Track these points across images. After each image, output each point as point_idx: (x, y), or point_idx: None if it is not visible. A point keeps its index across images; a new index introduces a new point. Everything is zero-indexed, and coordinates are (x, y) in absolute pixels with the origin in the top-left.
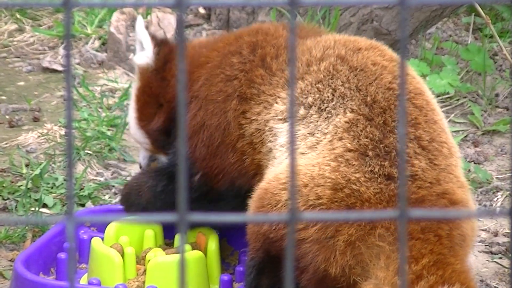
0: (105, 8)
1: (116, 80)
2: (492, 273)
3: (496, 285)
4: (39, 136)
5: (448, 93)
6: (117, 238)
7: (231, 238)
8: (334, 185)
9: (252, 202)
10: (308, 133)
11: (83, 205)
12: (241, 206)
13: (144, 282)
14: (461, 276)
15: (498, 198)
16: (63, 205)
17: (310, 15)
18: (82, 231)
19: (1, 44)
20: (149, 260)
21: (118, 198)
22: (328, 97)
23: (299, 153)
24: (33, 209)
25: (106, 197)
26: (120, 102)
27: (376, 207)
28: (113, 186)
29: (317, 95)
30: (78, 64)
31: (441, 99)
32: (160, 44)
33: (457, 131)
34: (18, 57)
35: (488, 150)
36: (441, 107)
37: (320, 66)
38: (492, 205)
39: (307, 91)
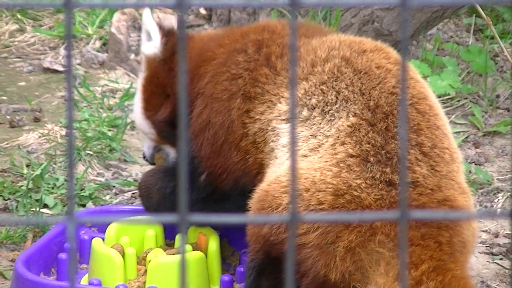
0: (106, 9)
1: (117, 81)
2: (492, 274)
3: (497, 286)
4: (40, 137)
5: (449, 94)
6: (117, 238)
7: (232, 239)
8: (336, 191)
9: (253, 204)
10: (311, 135)
11: (83, 206)
12: (247, 205)
13: (144, 283)
14: (461, 282)
15: (499, 199)
16: (64, 206)
17: (311, 15)
18: (83, 232)
19: (2, 45)
20: (149, 261)
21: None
22: (331, 99)
23: (301, 155)
24: (33, 209)
25: (107, 197)
26: (121, 103)
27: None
28: (114, 186)
29: (321, 97)
30: (79, 64)
31: (442, 100)
32: (168, 34)
33: (458, 132)
34: (19, 58)
35: (489, 151)
36: (442, 108)
37: (325, 67)
38: (492, 206)
39: (311, 92)
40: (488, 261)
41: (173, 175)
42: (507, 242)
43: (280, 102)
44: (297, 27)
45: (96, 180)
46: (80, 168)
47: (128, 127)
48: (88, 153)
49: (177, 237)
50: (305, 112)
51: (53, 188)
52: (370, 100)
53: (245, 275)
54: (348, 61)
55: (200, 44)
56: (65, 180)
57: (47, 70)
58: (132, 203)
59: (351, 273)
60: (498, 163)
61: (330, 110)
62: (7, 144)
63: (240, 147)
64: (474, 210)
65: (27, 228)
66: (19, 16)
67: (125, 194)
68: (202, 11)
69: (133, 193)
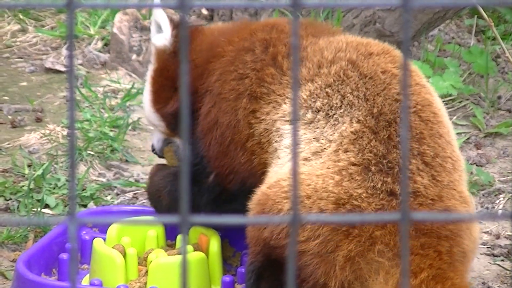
0: (108, 9)
1: (119, 81)
2: (494, 275)
3: None
4: (41, 137)
5: (450, 95)
6: (119, 239)
7: (233, 240)
8: (337, 200)
9: (253, 206)
10: (313, 138)
11: (85, 206)
12: None
13: (146, 283)
14: None
15: (500, 201)
16: (65, 206)
17: (312, 16)
18: (84, 232)
19: (4, 45)
20: (151, 261)
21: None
22: (336, 103)
23: (303, 158)
24: (35, 209)
25: (108, 198)
26: (123, 103)
27: (377, 223)
28: (115, 187)
29: (326, 100)
30: (81, 64)
31: (444, 101)
32: (178, 26)
33: (459, 133)
34: (21, 58)
35: (490, 153)
36: None
37: (331, 69)
38: (494, 207)
39: (316, 94)
40: (489, 263)
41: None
42: (508, 243)
43: (285, 103)
44: (305, 26)
45: (98, 180)
46: (82, 168)
47: (130, 128)
48: (90, 154)
49: (179, 237)
50: (309, 115)
51: (54, 188)
52: (374, 107)
53: (245, 278)
54: (355, 64)
55: (210, 38)
56: (67, 180)
57: (49, 70)
58: (133, 204)
59: (351, 282)
60: (499, 164)
61: (334, 114)
62: (8, 144)
63: (246, 148)
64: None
65: (29, 228)
66: (21, 16)
67: (126, 194)
68: (204, 11)
69: (135, 194)
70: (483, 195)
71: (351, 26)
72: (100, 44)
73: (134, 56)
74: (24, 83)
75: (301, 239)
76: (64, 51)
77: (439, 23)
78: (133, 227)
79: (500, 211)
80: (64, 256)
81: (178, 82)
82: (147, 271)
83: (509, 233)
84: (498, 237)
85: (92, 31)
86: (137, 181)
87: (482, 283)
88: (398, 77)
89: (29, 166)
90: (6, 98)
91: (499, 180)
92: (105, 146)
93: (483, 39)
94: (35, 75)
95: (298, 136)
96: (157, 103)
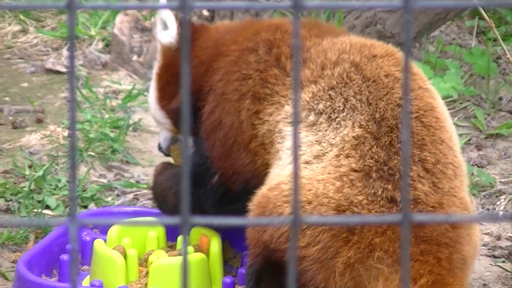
0: (108, 10)
1: (120, 82)
2: (495, 277)
3: None
4: (42, 138)
5: (451, 96)
6: (119, 240)
7: (234, 241)
8: (337, 207)
9: (253, 208)
10: (315, 141)
11: (85, 207)
12: None
13: (146, 284)
14: None
15: (501, 202)
16: (66, 207)
17: (314, 17)
18: (85, 233)
19: (5, 45)
20: (151, 262)
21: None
22: (339, 106)
23: (304, 161)
24: (35, 210)
25: (109, 199)
26: (123, 104)
27: (377, 230)
28: (116, 188)
29: (329, 103)
30: (82, 65)
31: (445, 102)
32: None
33: (460, 135)
34: (22, 58)
35: (491, 154)
36: None
37: (334, 71)
38: (495, 209)
39: (319, 96)
40: (490, 264)
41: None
42: (509, 244)
43: (288, 104)
44: (309, 27)
45: (98, 181)
46: (82, 169)
47: (131, 129)
48: (90, 154)
49: (179, 238)
50: (311, 117)
51: (55, 189)
52: (376, 111)
53: (245, 280)
54: (358, 66)
55: (216, 35)
56: (67, 181)
57: (50, 71)
58: (134, 205)
59: None
60: (500, 166)
61: (337, 117)
62: (9, 145)
63: (250, 149)
64: (476, 226)
65: (29, 229)
66: (21, 17)
67: (127, 195)
68: (205, 12)
69: (135, 195)
70: (484, 197)
71: (352, 27)
72: (101, 45)
73: (134, 57)
74: (25, 84)
75: (301, 245)
76: (64, 52)
77: (440, 24)
78: (134, 228)
79: (501, 213)
80: (64, 257)
81: None
82: (147, 272)
83: (510, 235)
84: (499, 238)
85: (93, 32)
86: (137, 182)
87: (483, 284)
88: (401, 81)
89: (29, 167)
90: (6, 99)
91: (500, 182)
92: (106, 147)
93: (484, 40)
94: (36, 76)
95: (300, 138)
96: (162, 100)
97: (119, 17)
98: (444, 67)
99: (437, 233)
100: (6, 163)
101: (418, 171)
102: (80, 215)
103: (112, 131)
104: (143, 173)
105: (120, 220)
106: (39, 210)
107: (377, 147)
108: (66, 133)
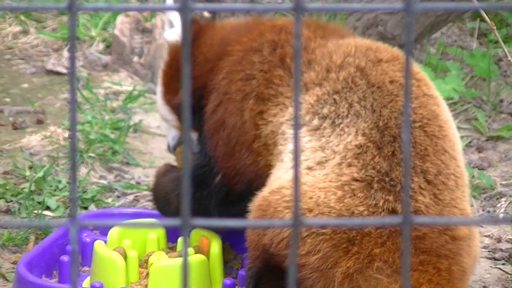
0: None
1: (120, 83)
2: (495, 279)
3: None
4: (42, 139)
5: (452, 98)
6: (120, 241)
7: (234, 242)
8: (338, 216)
9: (253, 211)
10: (319, 147)
11: (86, 208)
12: None
13: (146, 286)
14: None
15: (501, 204)
16: (66, 208)
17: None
18: (85, 234)
19: (5, 46)
20: (151, 264)
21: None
22: (343, 112)
23: (306, 166)
24: (36, 211)
25: (109, 200)
26: (124, 105)
27: (376, 241)
28: (116, 189)
29: (333, 108)
30: (82, 66)
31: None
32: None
33: (461, 137)
34: (22, 59)
35: (492, 156)
36: None
37: (339, 75)
38: (495, 211)
39: (324, 100)
40: (490, 266)
41: (191, 181)
42: (509, 247)
43: (292, 106)
44: (314, 28)
45: (99, 182)
46: (83, 170)
47: (131, 130)
48: (91, 156)
49: (179, 240)
50: (316, 121)
51: (55, 190)
52: (380, 119)
53: (244, 283)
54: (363, 71)
55: (222, 33)
56: (68, 183)
57: (50, 72)
58: (134, 206)
59: None
60: (501, 168)
61: (340, 123)
62: (9, 146)
63: (252, 149)
64: (477, 236)
65: (29, 230)
66: (22, 18)
67: (127, 196)
68: (206, 14)
69: (136, 196)
70: (484, 199)
71: (353, 29)
72: (101, 46)
73: (135, 58)
74: (25, 85)
75: (302, 253)
76: (65, 53)
77: (442, 26)
78: (134, 230)
79: (501, 215)
80: (65, 258)
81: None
82: (148, 274)
83: (510, 237)
84: (499, 240)
85: (93, 33)
86: (138, 183)
87: (483, 286)
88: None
89: (30, 168)
90: (7, 99)
91: (500, 184)
92: (106, 148)
93: (485, 42)
94: (36, 77)
95: (303, 142)
96: (167, 94)
97: (120, 18)
98: (445, 69)
99: (437, 245)
100: (6, 164)
101: (419, 183)
102: (80, 216)
103: (112, 132)
104: (144, 175)
105: (121, 221)
106: (39, 211)
107: (379, 157)
108: (66, 134)
